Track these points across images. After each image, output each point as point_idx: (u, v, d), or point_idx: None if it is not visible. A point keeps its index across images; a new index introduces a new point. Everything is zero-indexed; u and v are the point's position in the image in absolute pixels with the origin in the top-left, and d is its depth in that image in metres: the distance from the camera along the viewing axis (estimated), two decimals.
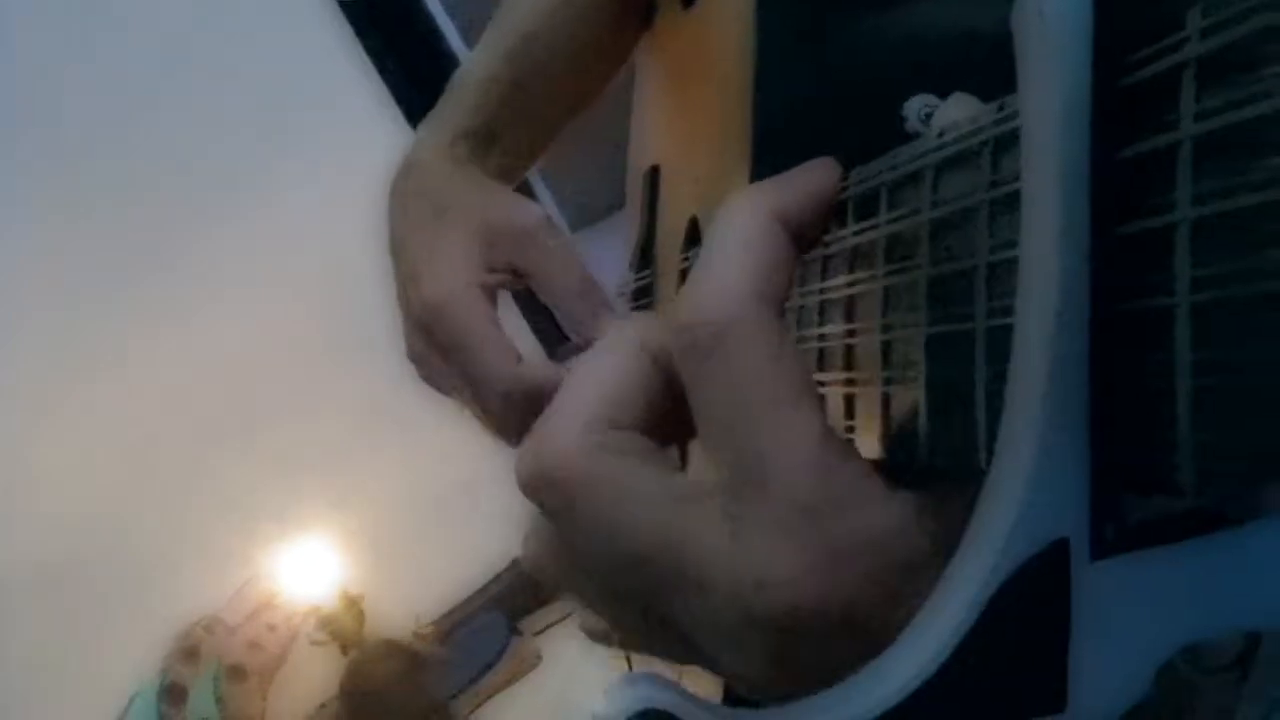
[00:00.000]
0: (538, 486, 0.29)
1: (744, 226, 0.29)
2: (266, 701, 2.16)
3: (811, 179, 0.31)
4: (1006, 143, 0.24)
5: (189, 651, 2.10)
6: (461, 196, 0.64)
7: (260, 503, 2.13)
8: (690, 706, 0.29)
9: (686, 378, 0.28)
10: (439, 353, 0.62)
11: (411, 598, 2.22)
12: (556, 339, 0.64)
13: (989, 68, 0.23)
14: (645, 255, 0.77)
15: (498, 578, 2.26)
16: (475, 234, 0.62)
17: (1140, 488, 0.21)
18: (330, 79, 1.87)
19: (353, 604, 2.17)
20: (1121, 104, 0.20)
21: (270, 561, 2.18)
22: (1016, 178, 0.22)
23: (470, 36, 1.73)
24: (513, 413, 0.60)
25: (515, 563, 2.24)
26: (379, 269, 0.67)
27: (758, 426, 0.26)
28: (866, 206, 0.31)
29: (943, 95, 0.30)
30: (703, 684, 0.33)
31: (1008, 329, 0.22)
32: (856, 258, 0.31)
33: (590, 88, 0.76)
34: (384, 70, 1.84)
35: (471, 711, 2.07)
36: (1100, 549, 0.21)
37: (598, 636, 0.33)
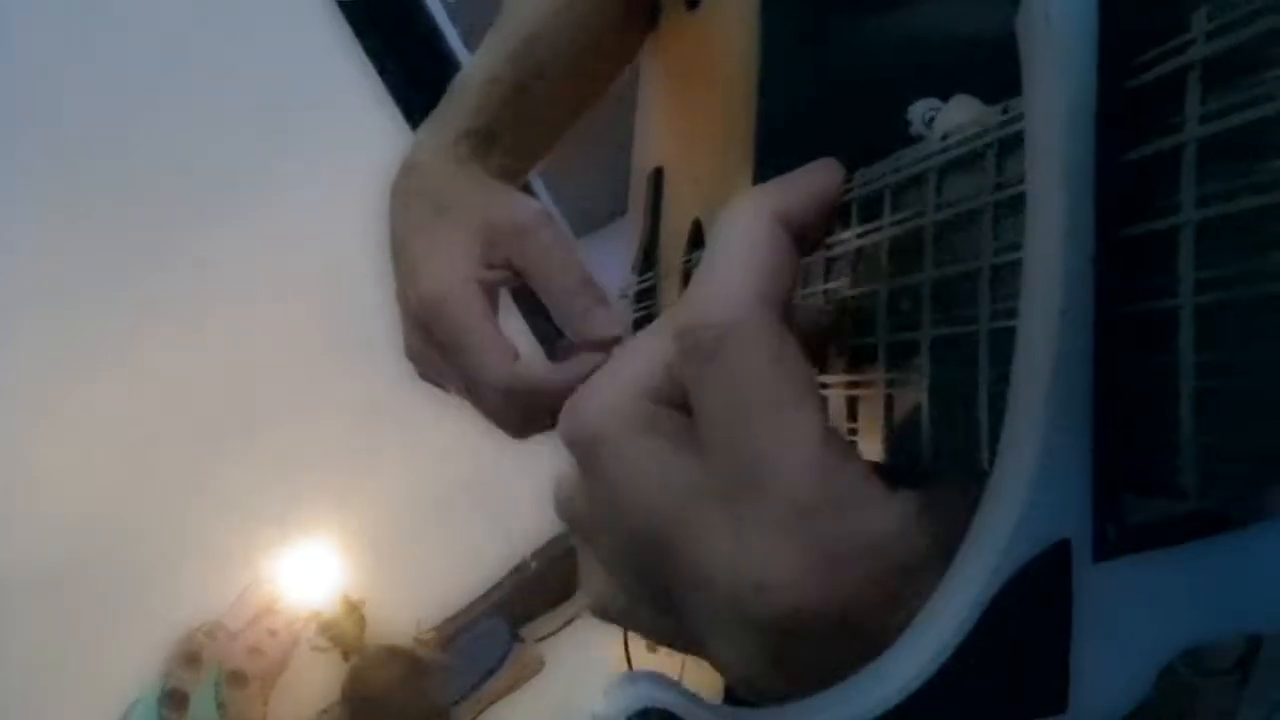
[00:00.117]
0: (574, 439, 0.30)
1: (746, 229, 0.29)
2: (268, 707, 2.16)
3: (814, 181, 0.31)
4: (1011, 145, 0.24)
5: (190, 657, 2.10)
6: (462, 195, 0.64)
7: (261, 507, 2.13)
8: (690, 706, 0.29)
9: (688, 380, 0.28)
10: (437, 350, 0.62)
11: (413, 603, 2.22)
12: (556, 338, 0.63)
13: (993, 70, 0.23)
14: (648, 257, 0.77)
15: (500, 584, 2.27)
16: (474, 231, 0.62)
17: (1143, 489, 0.21)
18: (330, 79, 1.87)
19: (354, 609, 2.16)
20: (1126, 106, 0.20)
21: (271, 566, 2.18)
22: (1021, 180, 0.22)
23: (471, 39, 1.73)
24: (510, 410, 0.60)
25: (517, 569, 2.25)
26: (380, 269, 0.67)
27: (758, 428, 0.26)
28: (870, 208, 0.31)
29: (946, 98, 0.30)
30: (703, 684, 0.33)
31: (1011, 331, 0.22)
32: (860, 259, 0.31)
33: (593, 89, 0.75)
34: (384, 71, 1.84)
35: (473, 718, 2.07)
36: (1102, 550, 0.21)
37: (599, 607, 0.33)
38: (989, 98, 0.26)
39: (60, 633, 2.03)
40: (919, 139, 0.29)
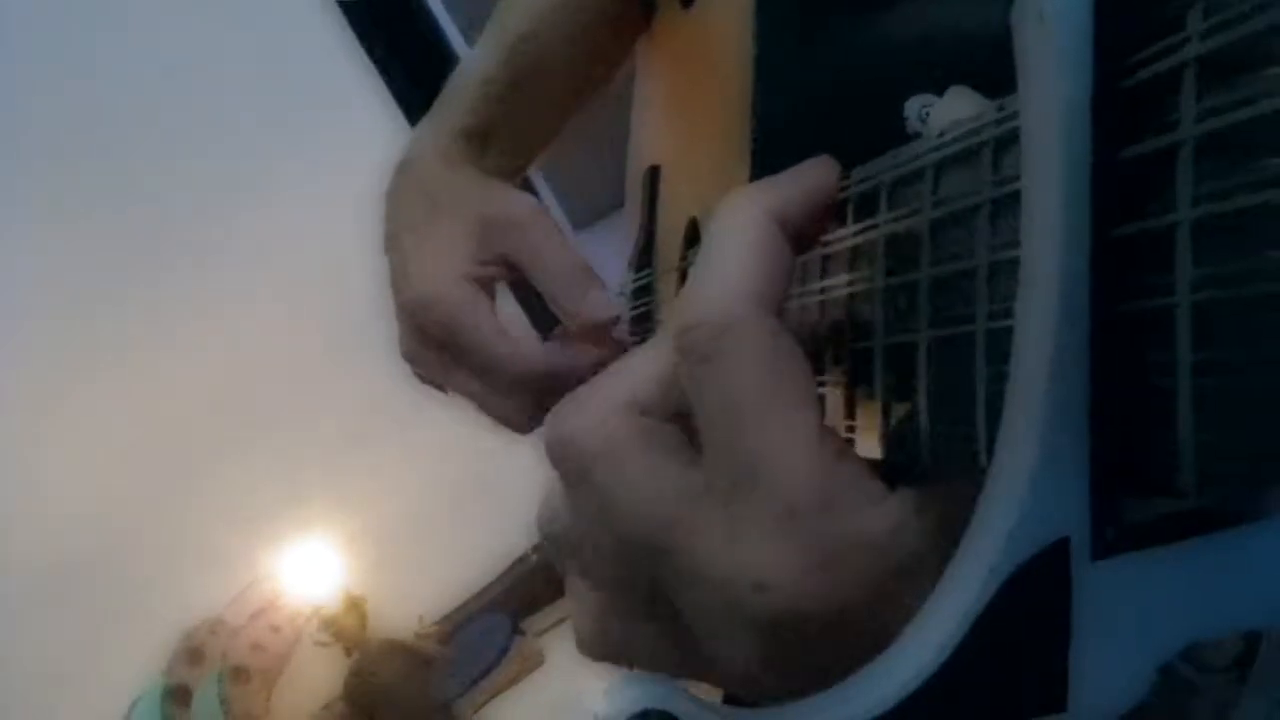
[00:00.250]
0: (559, 451, 0.30)
1: (741, 227, 0.29)
2: (270, 703, 2.16)
3: (809, 178, 0.31)
4: (1007, 142, 0.24)
5: (193, 653, 2.10)
6: (455, 193, 0.64)
7: (262, 504, 2.13)
8: (690, 706, 0.29)
9: (685, 379, 0.28)
10: (435, 349, 0.62)
11: (414, 598, 2.22)
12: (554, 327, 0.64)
13: (989, 67, 0.23)
14: (645, 255, 0.77)
15: (501, 578, 2.26)
16: (468, 228, 0.62)
17: (1141, 488, 0.21)
18: (330, 79, 1.87)
19: (356, 605, 2.16)
20: (1122, 104, 0.20)
21: (273, 562, 2.18)
22: (1017, 178, 0.22)
23: (471, 36, 1.73)
24: (521, 399, 0.60)
25: (518, 563, 2.25)
26: (379, 270, 0.67)
27: (755, 428, 0.26)
28: (866, 206, 0.31)
29: (943, 94, 0.30)
30: (703, 684, 0.33)
31: (1008, 329, 0.22)
32: (856, 257, 0.31)
33: (588, 88, 0.75)
34: (385, 71, 1.84)
35: (475, 712, 2.07)
36: (1101, 549, 0.21)
37: (589, 642, 0.33)
38: (985, 95, 0.26)
39: (63, 633, 2.04)
40: (915, 136, 0.29)
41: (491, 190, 0.65)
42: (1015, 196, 0.22)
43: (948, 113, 0.28)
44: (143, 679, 2.06)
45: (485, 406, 0.63)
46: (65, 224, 1.94)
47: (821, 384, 0.33)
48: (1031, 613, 0.22)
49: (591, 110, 0.76)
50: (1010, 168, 0.24)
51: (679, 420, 0.30)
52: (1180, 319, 0.19)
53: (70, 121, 1.92)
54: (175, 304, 2.02)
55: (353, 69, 1.76)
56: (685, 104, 0.70)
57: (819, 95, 0.47)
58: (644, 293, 0.76)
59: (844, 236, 0.32)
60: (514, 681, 2.09)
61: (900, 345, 0.28)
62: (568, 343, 0.61)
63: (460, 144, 0.66)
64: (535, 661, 2.11)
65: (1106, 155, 0.20)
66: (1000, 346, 0.23)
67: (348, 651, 2.14)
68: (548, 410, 0.61)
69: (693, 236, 0.66)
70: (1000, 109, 0.24)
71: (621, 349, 0.61)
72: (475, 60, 0.70)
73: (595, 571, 0.31)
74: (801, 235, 0.30)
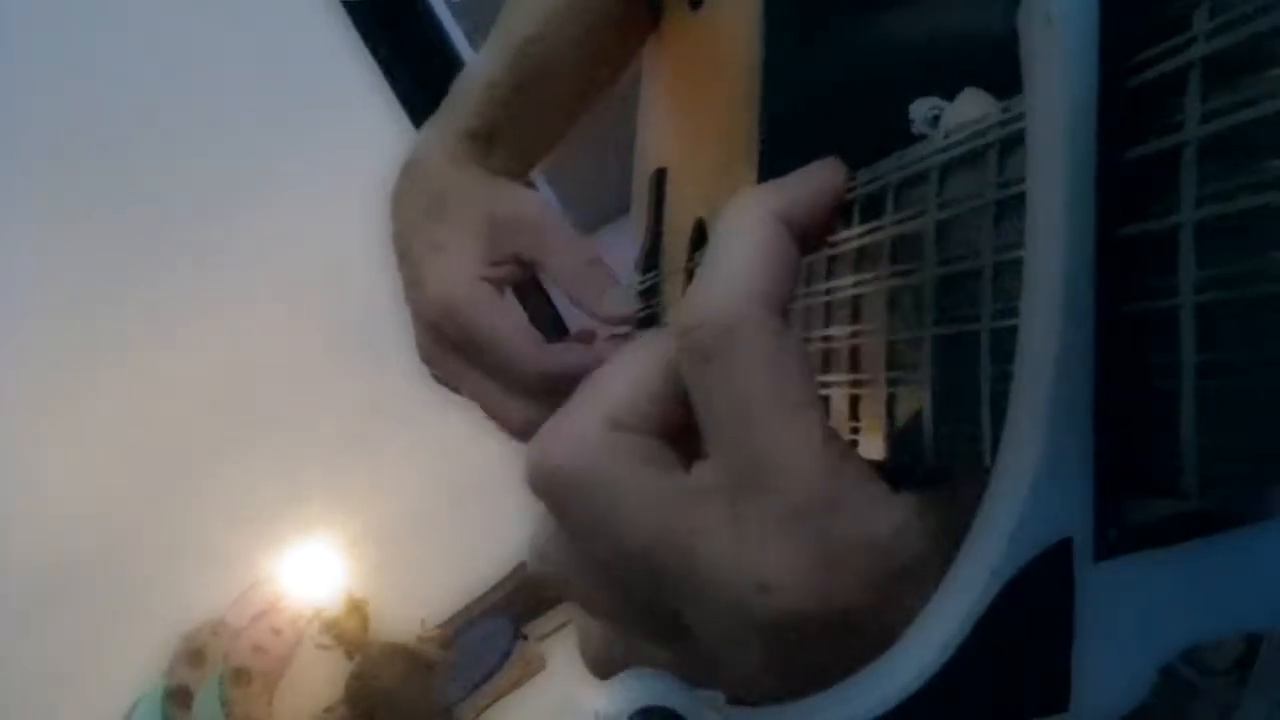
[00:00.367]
0: (540, 483, 0.29)
1: (748, 229, 0.29)
2: (272, 705, 2.16)
3: (816, 180, 0.31)
4: (1012, 144, 0.24)
5: (194, 654, 2.10)
6: (463, 194, 0.64)
7: (265, 506, 2.13)
8: (692, 703, 0.29)
9: (689, 379, 0.28)
10: (452, 351, 0.62)
11: (416, 601, 2.22)
12: (559, 335, 0.64)
13: (995, 69, 0.23)
14: (651, 257, 0.77)
15: (503, 582, 2.26)
16: (477, 229, 0.62)
17: (1144, 489, 0.21)
18: (331, 79, 1.87)
19: (358, 608, 2.16)
20: (1127, 105, 0.20)
21: (275, 565, 2.18)
22: (1022, 179, 0.22)
23: (476, 39, 1.73)
24: (540, 395, 0.60)
25: (521, 567, 2.24)
26: (382, 269, 0.67)
27: (759, 429, 0.26)
28: (872, 207, 0.31)
29: (949, 96, 0.30)
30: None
31: (1013, 330, 0.22)
32: (862, 258, 0.31)
33: (595, 90, 0.75)
34: (388, 71, 1.84)
35: (476, 716, 2.07)
36: (1104, 550, 0.21)
37: (596, 661, 0.32)
38: (994, 97, 0.26)
39: (64, 634, 2.04)
40: (921, 138, 0.29)
41: (499, 190, 0.65)
42: (1020, 198, 0.22)
43: (959, 115, 0.28)
44: (143, 680, 2.06)
45: (496, 412, 0.63)
46: (65, 224, 1.94)
47: (826, 385, 0.33)
48: (1034, 613, 0.22)
49: (596, 113, 0.76)
50: (1015, 169, 0.24)
51: (663, 428, 0.30)
52: (1184, 320, 0.19)
53: (70, 121, 1.92)
54: (175, 304, 2.02)
55: (354, 69, 1.77)
56: (692, 106, 0.70)
57: (825, 97, 0.47)
58: (650, 295, 0.76)
59: (850, 238, 0.32)
60: (516, 686, 2.09)
61: (905, 346, 0.28)
62: (585, 344, 0.61)
63: (466, 145, 0.66)
64: (537, 666, 2.11)
65: (1111, 156, 0.20)
66: (1005, 347, 0.23)
67: (349, 654, 2.14)
68: None
69: (699, 238, 0.66)
70: (1005, 110, 0.24)
71: None
72: (482, 62, 0.70)
73: (598, 603, 0.31)
74: (808, 236, 0.30)
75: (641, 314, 0.76)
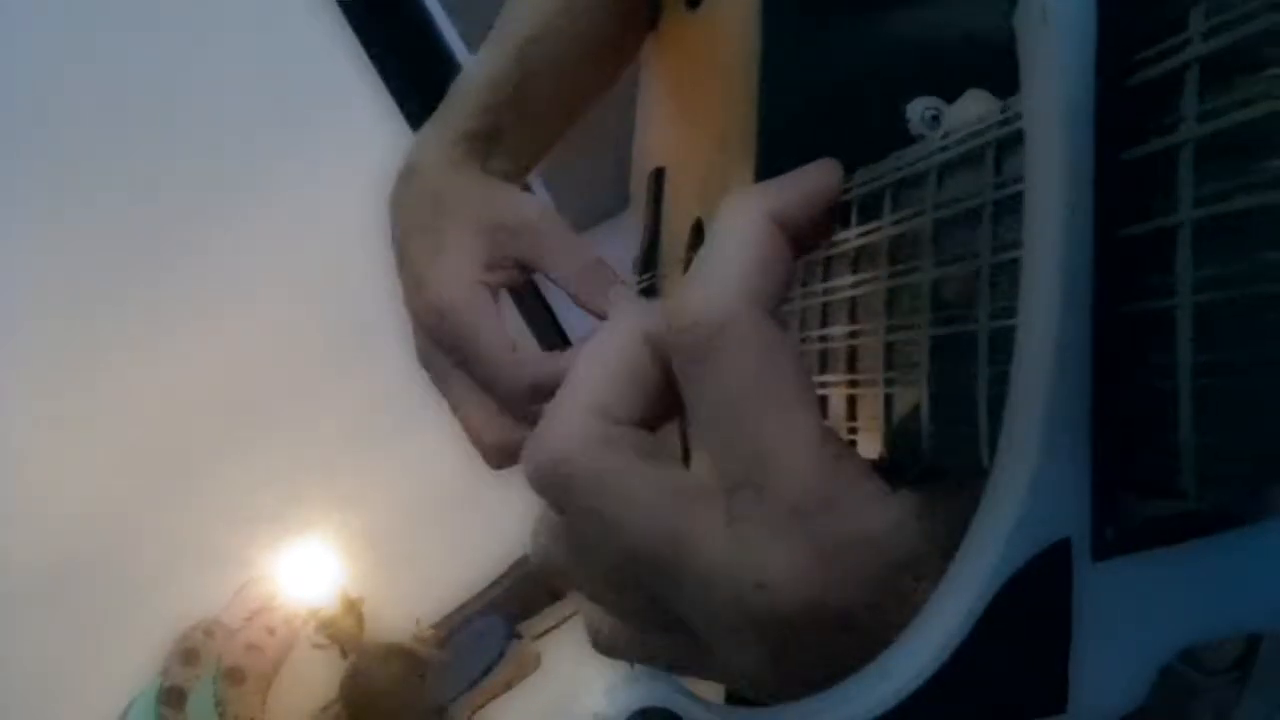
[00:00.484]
0: (541, 481, 0.29)
1: (741, 228, 0.29)
2: (266, 704, 2.16)
3: (811, 180, 0.31)
4: (1010, 144, 0.24)
5: (188, 654, 2.10)
6: (462, 196, 0.64)
7: (260, 505, 2.13)
8: (691, 704, 0.29)
9: (681, 380, 0.28)
10: (446, 355, 0.62)
11: (411, 601, 2.22)
12: (556, 340, 0.64)
13: (993, 69, 0.23)
14: (650, 257, 0.77)
15: (498, 581, 2.27)
16: (477, 232, 0.62)
17: (1142, 489, 0.21)
18: (331, 79, 1.87)
19: (353, 607, 2.16)
20: (1124, 105, 0.20)
21: (270, 564, 2.18)
22: (1020, 179, 0.22)
23: (470, 38, 1.73)
24: (513, 413, 0.60)
25: (515, 566, 2.25)
26: (380, 270, 0.67)
27: (754, 428, 0.26)
28: (870, 207, 0.31)
29: (947, 96, 0.30)
30: (704, 683, 0.33)
31: (1010, 330, 0.22)
32: (860, 259, 0.31)
33: (593, 90, 0.75)
34: (382, 70, 1.84)
35: (471, 714, 2.07)
36: (1102, 550, 0.21)
37: (601, 643, 0.33)
38: (995, 97, 0.26)
39: (59, 634, 2.03)
40: (919, 138, 0.29)
41: (498, 192, 0.65)
42: (1018, 198, 0.22)
43: (962, 116, 0.28)
44: (142, 679, 2.06)
45: (470, 425, 0.63)
46: (64, 224, 1.94)
47: (824, 385, 0.33)
48: (1032, 614, 0.22)
49: (592, 114, 0.76)
50: (1013, 169, 0.24)
51: (652, 416, 0.30)
52: (1181, 320, 0.19)
53: (70, 122, 1.92)
54: (175, 304, 2.02)
55: (353, 69, 1.76)
56: (690, 105, 0.70)
57: (823, 97, 0.47)
58: (649, 294, 0.76)
59: (848, 238, 0.32)
60: (510, 685, 2.09)
61: (903, 346, 0.28)
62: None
63: (465, 147, 0.66)
64: (532, 665, 2.11)
65: (1109, 156, 0.20)
66: (1002, 347, 0.23)
67: (344, 653, 2.14)
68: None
69: (697, 238, 0.66)
70: (1003, 110, 0.24)
71: None
72: (481, 63, 0.70)
73: (598, 594, 0.31)
74: (802, 236, 0.30)
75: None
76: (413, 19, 1.78)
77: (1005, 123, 0.24)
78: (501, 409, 0.61)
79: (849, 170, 0.32)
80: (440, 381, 0.65)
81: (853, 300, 0.32)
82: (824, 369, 0.34)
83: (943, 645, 0.22)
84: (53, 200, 1.93)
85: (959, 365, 0.25)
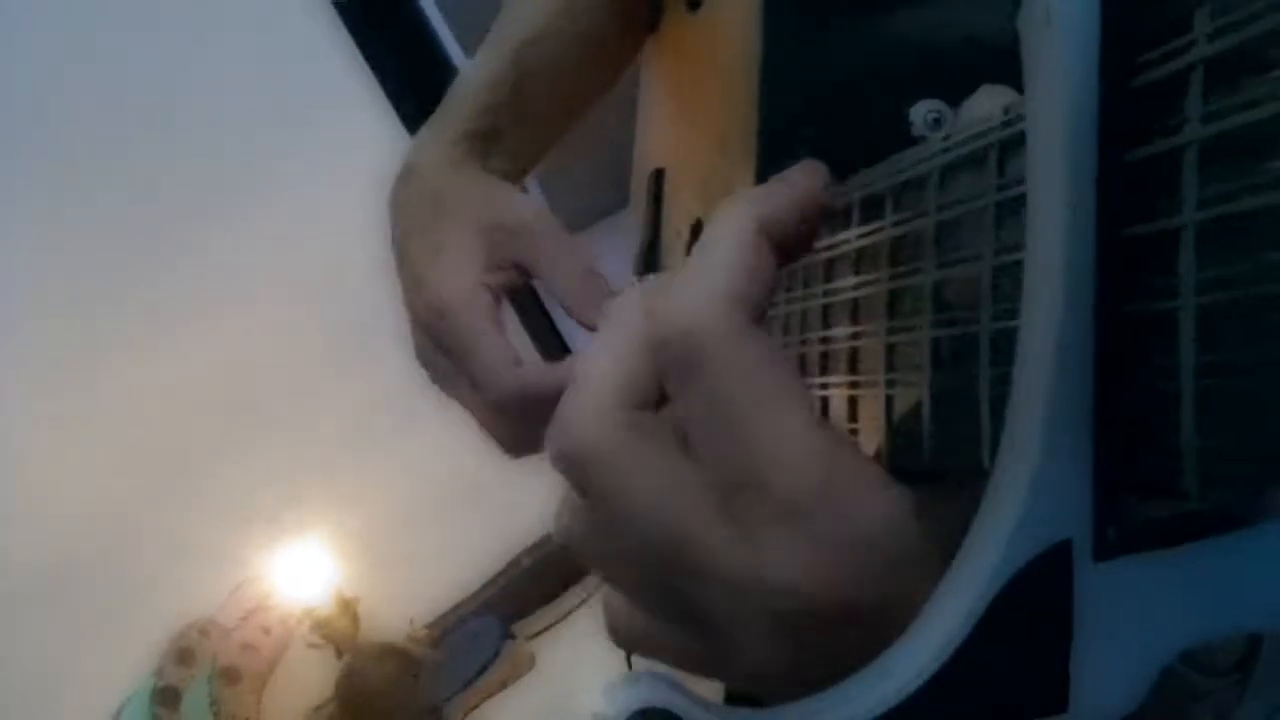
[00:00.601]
0: (564, 463, 0.29)
1: (725, 236, 0.29)
2: (261, 704, 2.15)
3: (795, 185, 0.31)
4: (1012, 145, 0.24)
5: (183, 654, 2.09)
6: (462, 197, 0.64)
7: (256, 505, 2.13)
8: (690, 705, 0.29)
9: (670, 390, 0.28)
10: (445, 355, 0.62)
11: (406, 601, 2.22)
12: (555, 345, 0.64)
13: (995, 71, 0.23)
14: (650, 258, 0.77)
15: (492, 581, 2.27)
16: (477, 233, 0.62)
17: (1144, 490, 0.21)
18: (330, 79, 1.87)
19: (348, 607, 2.16)
20: (1128, 106, 0.20)
21: (265, 564, 2.18)
22: (1022, 181, 0.22)
23: (465, 39, 1.73)
24: (511, 419, 0.60)
25: (510, 566, 2.25)
26: (377, 270, 0.67)
27: (748, 431, 0.26)
28: (872, 209, 0.31)
29: (949, 98, 0.30)
30: (704, 683, 0.33)
31: (1012, 331, 0.22)
32: (861, 260, 0.31)
33: (593, 91, 0.75)
34: (378, 72, 1.84)
35: (465, 714, 2.07)
36: (1103, 551, 0.21)
37: (619, 631, 0.32)
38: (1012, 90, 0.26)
39: (54, 633, 2.03)
40: (921, 140, 0.29)
41: (498, 193, 0.65)
42: (1020, 200, 0.22)
43: (977, 111, 0.28)
44: (133, 679, 2.06)
45: (481, 421, 0.63)
46: (63, 224, 1.93)
47: (826, 386, 0.33)
48: (1033, 614, 0.22)
49: (591, 113, 0.76)
50: (1015, 171, 0.24)
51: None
52: (1184, 321, 0.19)
53: (70, 122, 1.92)
54: (174, 304, 2.02)
55: (353, 69, 1.76)
56: (690, 106, 0.70)
57: (825, 98, 0.47)
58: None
59: (850, 239, 0.32)
60: (504, 685, 2.09)
61: (904, 347, 0.28)
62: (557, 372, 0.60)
63: (465, 147, 0.66)
64: (526, 665, 2.11)
65: (1112, 157, 0.20)
66: (1004, 349, 0.23)
67: (339, 653, 2.14)
68: (538, 439, 0.60)
69: (697, 239, 0.66)
70: (1006, 112, 0.24)
71: None
72: (480, 64, 0.70)
73: (616, 576, 0.31)
74: (788, 241, 0.30)
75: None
76: (408, 22, 1.78)
77: (1008, 124, 0.24)
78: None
79: (850, 171, 0.32)
80: (441, 380, 0.65)
81: (855, 301, 0.32)
82: (825, 370, 0.34)
83: (943, 645, 0.22)
84: (53, 200, 1.93)
85: (961, 366, 0.25)
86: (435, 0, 1.74)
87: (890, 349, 0.29)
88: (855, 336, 0.32)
